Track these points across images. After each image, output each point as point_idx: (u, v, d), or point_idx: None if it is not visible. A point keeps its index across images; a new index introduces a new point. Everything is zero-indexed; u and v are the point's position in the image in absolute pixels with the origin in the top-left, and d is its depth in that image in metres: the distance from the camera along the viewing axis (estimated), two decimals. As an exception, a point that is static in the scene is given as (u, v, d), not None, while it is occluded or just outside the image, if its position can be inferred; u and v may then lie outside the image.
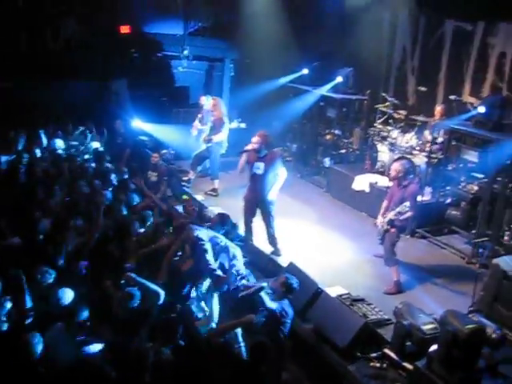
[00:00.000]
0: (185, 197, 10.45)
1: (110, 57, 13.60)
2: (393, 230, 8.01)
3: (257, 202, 8.70)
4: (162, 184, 10.50)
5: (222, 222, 7.51)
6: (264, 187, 8.56)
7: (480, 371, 5.13)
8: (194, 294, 6.62)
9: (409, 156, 10.59)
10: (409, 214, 7.83)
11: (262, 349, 5.14)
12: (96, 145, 11.62)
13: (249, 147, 8.55)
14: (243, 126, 14.79)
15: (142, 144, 12.66)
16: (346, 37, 13.33)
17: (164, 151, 12.33)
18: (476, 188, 9.87)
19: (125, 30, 13.54)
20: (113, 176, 9.76)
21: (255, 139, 8.49)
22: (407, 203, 7.76)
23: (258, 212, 8.86)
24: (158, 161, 10.83)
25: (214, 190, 11.50)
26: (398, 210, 7.80)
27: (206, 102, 11.87)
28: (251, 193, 8.74)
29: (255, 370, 5.01)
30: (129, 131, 12.56)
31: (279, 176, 8.60)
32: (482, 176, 9.79)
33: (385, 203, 8.36)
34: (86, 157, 10.98)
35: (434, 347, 5.35)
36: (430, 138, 10.80)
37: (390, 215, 7.89)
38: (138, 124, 12.73)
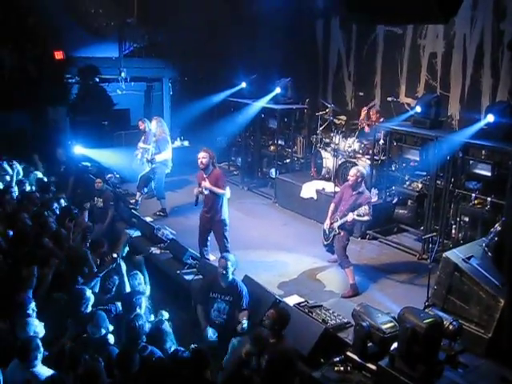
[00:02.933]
0: (134, 220, 10.33)
1: (45, 84, 13.33)
2: (342, 233, 8.11)
3: (209, 221, 8.64)
4: (109, 209, 10.34)
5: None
6: (213, 206, 8.48)
7: (441, 363, 5.21)
8: None
9: (353, 159, 10.78)
10: (366, 218, 7.93)
11: (202, 355, 5.10)
12: (39, 175, 11.35)
13: (200, 189, 8.46)
14: (186, 143, 14.76)
15: (86, 170, 12.44)
16: (282, 47, 13.48)
17: (109, 175, 12.14)
18: (420, 185, 10.10)
19: (59, 55, 13.31)
20: (55, 205, 9.53)
21: (202, 154, 8.41)
22: (366, 207, 7.86)
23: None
24: (102, 186, 10.66)
25: (163, 210, 11.38)
26: (359, 211, 7.85)
27: (144, 124, 11.75)
28: (204, 212, 8.67)
29: (199, 377, 4.97)
30: (71, 158, 12.33)
31: (223, 194, 8.54)
32: (425, 173, 10.03)
33: (332, 206, 8.45)
34: (29, 188, 10.68)
35: (394, 345, 5.40)
36: (371, 140, 10.98)
37: (349, 217, 7.92)
38: (80, 150, 12.52)
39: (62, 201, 9.89)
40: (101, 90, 14.57)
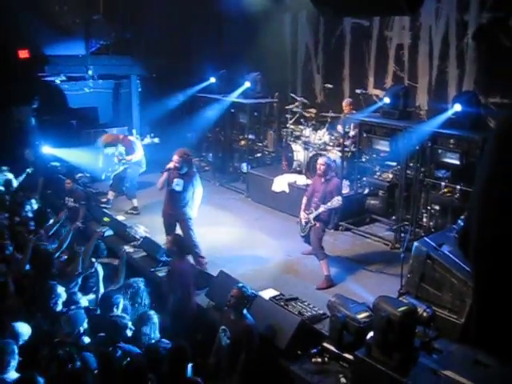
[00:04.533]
0: (106, 219, 10.24)
1: (10, 83, 13.12)
2: (318, 224, 8.17)
3: (175, 219, 8.62)
4: (80, 209, 10.23)
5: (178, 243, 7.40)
6: (182, 203, 8.50)
7: (416, 350, 5.28)
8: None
9: (323, 152, 10.84)
10: (340, 203, 8.06)
11: (182, 353, 5.11)
12: (9, 176, 11.19)
13: (170, 165, 8.46)
14: (157, 140, 14.67)
15: (55, 170, 12.28)
16: (249, 41, 13.47)
17: (79, 175, 12.03)
18: (391, 176, 10.21)
19: (24, 54, 13.10)
20: (28, 207, 9.42)
21: (175, 158, 8.42)
22: (339, 197, 7.99)
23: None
24: (71, 186, 10.54)
25: (135, 208, 11.31)
26: (329, 204, 7.97)
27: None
28: (169, 209, 8.65)
29: (177, 375, 4.99)
30: (39, 159, 12.16)
31: (196, 194, 8.59)
32: (395, 164, 10.14)
33: (305, 199, 8.52)
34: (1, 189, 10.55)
35: (370, 334, 5.46)
36: (341, 132, 11.06)
37: (321, 209, 8.02)
38: (49, 150, 12.36)
39: (33, 201, 9.76)
40: (68, 89, 14.39)
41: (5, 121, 13.44)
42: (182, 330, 6.49)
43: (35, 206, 9.66)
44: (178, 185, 8.46)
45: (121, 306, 6.27)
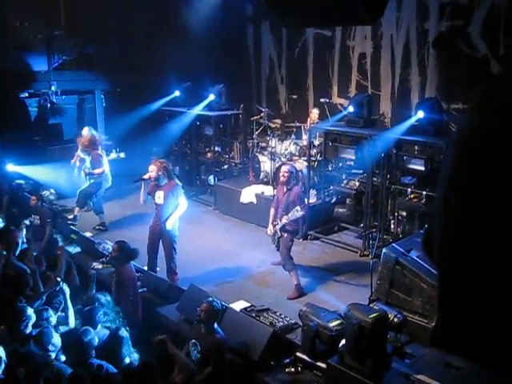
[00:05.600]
0: (73, 236, 10.10)
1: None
2: (286, 235, 8.19)
3: (159, 233, 8.53)
4: (46, 226, 10.07)
5: (123, 250, 7.30)
6: (165, 217, 8.39)
7: (389, 355, 5.30)
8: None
9: (290, 162, 10.88)
10: (302, 213, 8.03)
11: (150, 367, 5.05)
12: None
13: (145, 176, 8.38)
14: (122, 155, 14.55)
15: (20, 188, 12.07)
16: (213, 53, 13.49)
17: (45, 192, 11.83)
18: (358, 184, 10.30)
19: (-15, 71, 12.91)
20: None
21: (151, 168, 8.34)
22: (298, 208, 7.98)
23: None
24: (36, 203, 10.37)
25: (103, 224, 11.18)
26: (289, 215, 7.98)
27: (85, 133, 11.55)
28: (154, 223, 8.56)
29: None
30: (3, 177, 11.95)
31: (180, 205, 8.49)
32: (361, 172, 10.23)
33: (272, 211, 8.53)
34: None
35: (342, 342, 5.47)
36: (306, 142, 11.13)
37: (284, 220, 8.05)
38: (12, 168, 12.15)
39: (0, 220, 9.57)
40: (31, 105, 14.21)
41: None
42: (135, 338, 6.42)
43: (0, 225, 9.46)
44: (158, 197, 8.39)
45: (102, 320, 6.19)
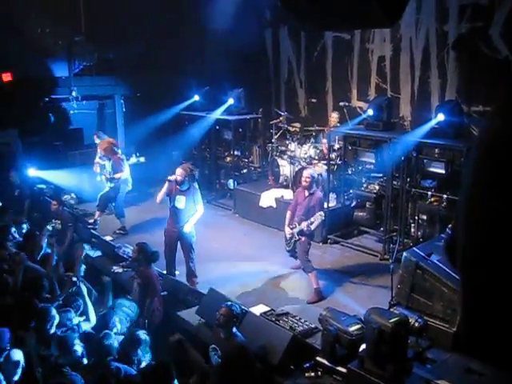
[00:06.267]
0: (93, 240, 10.17)
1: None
2: (303, 238, 8.17)
3: (177, 236, 8.57)
4: (67, 231, 10.15)
5: (143, 252, 7.34)
6: (184, 221, 8.45)
7: (409, 360, 5.26)
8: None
9: (310, 166, 10.86)
10: (320, 219, 8.02)
11: (166, 368, 5.05)
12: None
13: (172, 178, 8.42)
14: (142, 160, 14.62)
15: (41, 193, 12.20)
16: (232, 58, 13.52)
17: (65, 197, 11.94)
18: (377, 187, 10.25)
19: (7, 77, 13.07)
20: (13, 230, 9.32)
21: (179, 171, 8.39)
22: (322, 213, 7.96)
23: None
24: (57, 208, 10.45)
25: (123, 228, 11.25)
26: (311, 219, 7.96)
27: (99, 138, 11.64)
28: (171, 226, 8.60)
29: None
30: (25, 181, 12.07)
31: (198, 211, 8.55)
32: (381, 175, 10.18)
33: (288, 214, 8.51)
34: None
35: (363, 346, 5.43)
36: (326, 146, 11.10)
37: (303, 225, 8.03)
38: (34, 172, 12.28)
39: (25, 226, 9.67)
40: (53, 111, 14.35)
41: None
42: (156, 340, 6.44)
43: (24, 229, 9.57)
44: (179, 202, 8.43)
45: (118, 326, 6.22)
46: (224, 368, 5.83)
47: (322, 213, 8.03)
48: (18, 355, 5.29)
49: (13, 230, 9.24)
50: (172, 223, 8.60)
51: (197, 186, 8.76)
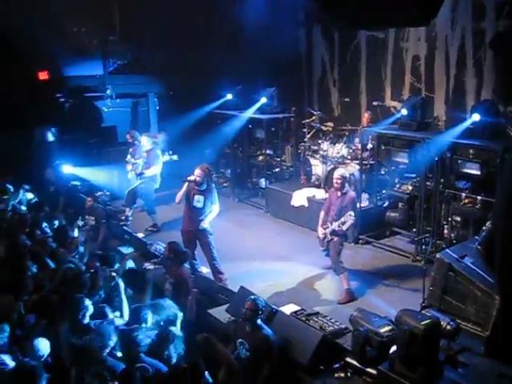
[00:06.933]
0: (126, 236, 10.28)
1: (31, 105, 13.30)
2: (336, 239, 8.13)
3: (195, 235, 8.63)
4: (101, 227, 10.28)
5: (174, 251, 7.40)
6: (201, 220, 8.52)
7: (441, 364, 5.21)
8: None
9: (342, 165, 10.80)
10: (351, 221, 7.97)
11: (196, 367, 5.06)
12: (30, 196, 11.30)
13: (191, 178, 8.49)
14: (175, 158, 14.73)
15: (76, 189, 12.38)
16: (265, 56, 13.51)
17: (99, 193, 12.10)
18: (410, 188, 10.15)
19: (43, 76, 13.30)
20: (44, 225, 9.48)
21: (198, 172, 8.46)
22: (351, 212, 7.92)
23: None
24: (92, 204, 10.59)
25: (155, 225, 11.34)
26: (342, 220, 7.93)
27: (133, 137, 11.74)
28: (188, 225, 8.67)
29: None
30: (60, 178, 12.26)
31: (214, 210, 8.63)
32: (414, 175, 10.07)
33: (322, 214, 8.49)
34: (23, 208, 10.64)
35: (393, 348, 5.39)
36: (359, 145, 11.03)
37: (334, 226, 8.01)
38: (69, 169, 12.46)
39: (57, 221, 9.84)
40: (87, 108, 14.55)
41: (26, 141, 13.61)
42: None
43: (57, 224, 9.74)
44: (198, 201, 8.51)
45: (149, 321, 6.27)
46: (253, 359, 5.86)
47: (352, 212, 7.98)
48: (43, 345, 5.39)
49: (44, 225, 9.44)
50: (188, 222, 8.67)
51: (214, 186, 8.84)
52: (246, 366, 5.94)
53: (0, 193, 11.06)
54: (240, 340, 6.05)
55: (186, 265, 7.86)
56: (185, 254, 7.50)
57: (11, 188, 11.15)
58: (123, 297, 6.82)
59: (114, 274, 7.17)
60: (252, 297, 6.25)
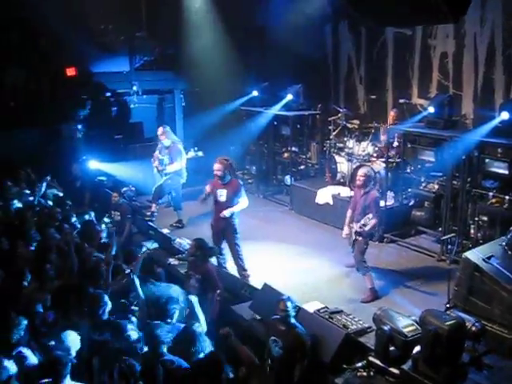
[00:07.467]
0: (151, 232, 10.35)
1: (58, 101, 13.46)
2: (360, 238, 8.09)
3: (221, 230, 8.64)
4: (126, 222, 10.36)
5: (202, 247, 7.40)
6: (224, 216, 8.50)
7: (465, 365, 5.15)
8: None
9: (367, 163, 10.73)
10: (373, 222, 7.92)
11: (217, 363, 5.06)
12: (55, 191, 11.42)
13: (208, 190, 8.55)
14: (201, 154, 14.78)
15: (102, 185, 12.49)
16: (291, 53, 13.47)
17: (124, 189, 12.16)
18: (437, 186, 10.05)
19: (71, 72, 13.44)
20: (74, 219, 9.59)
21: (216, 166, 8.45)
22: (370, 215, 7.87)
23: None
24: (118, 200, 10.67)
25: (180, 221, 11.40)
26: (362, 222, 7.89)
27: (164, 132, 11.78)
28: (215, 220, 8.69)
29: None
30: (86, 173, 12.38)
31: (240, 202, 8.57)
32: (440, 174, 9.97)
33: (349, 212, 8.45)
34: (50, 203, 10.77)
35: (417, 348, 5.35)
36: (385, 143, 10.96)
37: (356, 227, 7.97)
38: (95, 165, 12.57)
39: (87, 216, 9.94)
40: (114, 104, 14.67)
41: (54, 137, 13.77)
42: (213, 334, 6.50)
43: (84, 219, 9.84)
44: (221, 195, 8.50)
45: (175, 317, 6.31)
46: (286, 358, 5.86)
47: (370, 215, 7.90)
48: (72, 337, 5.44)
49: (73, 219, 9.54)
50: (214, 217, 8.68)
51: (238, 179, 8.82)
52: (279, 363, 5.94)
53: (26, 187, 11.24)
54: (273, 338, 6.04)
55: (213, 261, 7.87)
56: (211, 250, 7.50)
57: (38, 183, 11.30)
58: (140, 293, 6.80)
59: (128, 270, 7.18)
60: (284, 296, 6.23)
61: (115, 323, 5.77)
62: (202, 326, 6.44)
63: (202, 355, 5.49)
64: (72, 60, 13.48)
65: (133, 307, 6.70)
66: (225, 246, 8.77)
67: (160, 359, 5.27)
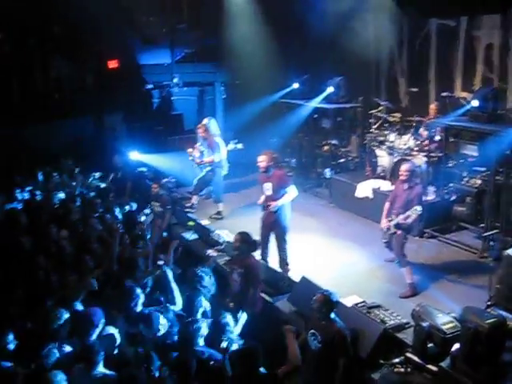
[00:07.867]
0: (190, 223, 10.45)
1: (101, 92, 13.68)
2: (399, 232, 8.00)
3: (270, 224, 8.61)
4: (166, 213, 10.48)
5: (246, 241, 7.40)
6: (274, 209, 8.46)
7: (506, 365, 5.07)
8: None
9: (408, 157, 10.60)
10: (414, 215, 7.83)
11: (253, 354, 5.08)
12: (98, 182, 11.67)
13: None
14: (240, 146, 14.81)
15: (142, 176, 12.65)
16: (332, 45, 13.37)
17: (165, 180, 12.32)
18: (479, 182, 9.85)
19: (113, 64, 13.64)
20: (117, 210, 9.77)
21: (261, 158, 8.46)
22: (418, 207, 7.75)
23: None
24: (158, 191, 10.82)
25: (219, 213, 11.44)
26: (407, 213, 7.79)
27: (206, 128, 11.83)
28: (264, 214, 8.68)
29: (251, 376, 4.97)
30: (128, 164, 12.56)
31: (288, 193, 8.50)
32: (483, 169, 9.79)
33: (387, 205, 8.37)
34: (92, 194, 10.99)
35: (456, 346, 5.30)
36: (426, 137, 10.81)
37: (399, 219, 7.88)
38: (136, 156, 12.74)
39: (128, 207, 10.12)
40: (155, 96, 14.84)
41: (97, 128, 14.02)
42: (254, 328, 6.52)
43: (126, 210, 10.03)
44: (267, 189, 8.50)
45: (205, 305, 6.38)
46: (324, 351, 5.86)
47: (418, 207, 7.81)
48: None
49: (117, 210, 9.72)
50: (263, 211, 8.67)
51: (285, 171, 8.80)
52: (317, 357, 5.95)
53: (68, 177, 11.48)
54: (312, 331, 6.04)
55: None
56: (255, 244, 7.51)
57: (79, 174, 11.55)
58: (173, 285, 6.84)
59: (160, 262, 7.25)
60: (323, 290, 6.21)
61: (146, 315, 5.86)
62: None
63: (235, 346, 5.55)
64: (115, 52, 13.66)
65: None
66: (272, 238, 8.74)
67: (192, 350, 5.33)
